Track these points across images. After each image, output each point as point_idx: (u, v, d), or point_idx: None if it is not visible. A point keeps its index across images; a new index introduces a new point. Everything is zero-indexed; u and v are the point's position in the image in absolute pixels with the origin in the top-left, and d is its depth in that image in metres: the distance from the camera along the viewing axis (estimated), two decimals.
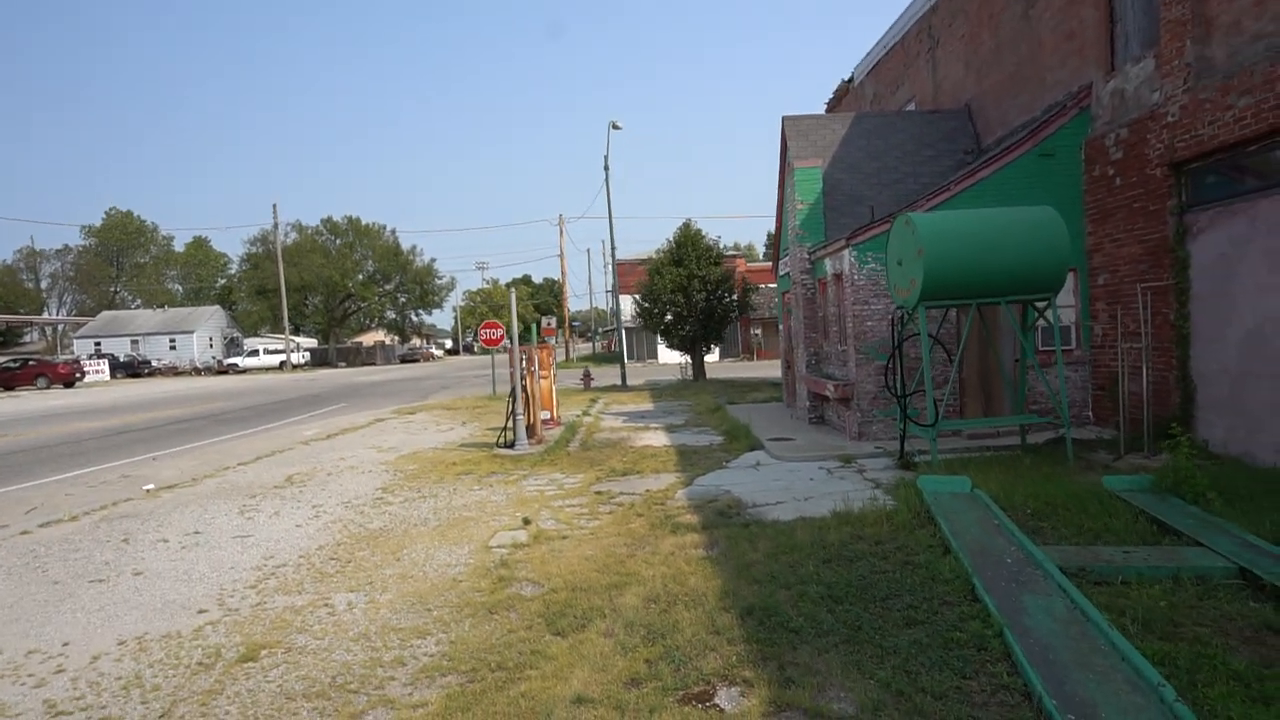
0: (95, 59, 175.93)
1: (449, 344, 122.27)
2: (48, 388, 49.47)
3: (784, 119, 17.09)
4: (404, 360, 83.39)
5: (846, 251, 13.14)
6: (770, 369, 38.03)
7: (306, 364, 76.11)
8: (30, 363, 54.44)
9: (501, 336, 26.49)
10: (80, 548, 8.51)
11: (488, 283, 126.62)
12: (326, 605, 6.27)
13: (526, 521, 8.64)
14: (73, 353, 70.54)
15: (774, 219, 19.51)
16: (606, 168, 34.41)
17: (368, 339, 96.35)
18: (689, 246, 30.69)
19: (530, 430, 14.54)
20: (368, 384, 40.71)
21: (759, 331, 54.23)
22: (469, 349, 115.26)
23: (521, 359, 14.45)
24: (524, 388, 14.37)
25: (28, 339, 78.69)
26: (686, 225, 31.44)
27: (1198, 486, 7.58)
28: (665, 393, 26.58)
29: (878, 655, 4.70)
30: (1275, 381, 9.19)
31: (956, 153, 16.73)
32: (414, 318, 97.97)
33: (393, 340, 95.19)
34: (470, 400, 26.11)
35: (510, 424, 14.48)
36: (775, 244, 19.89)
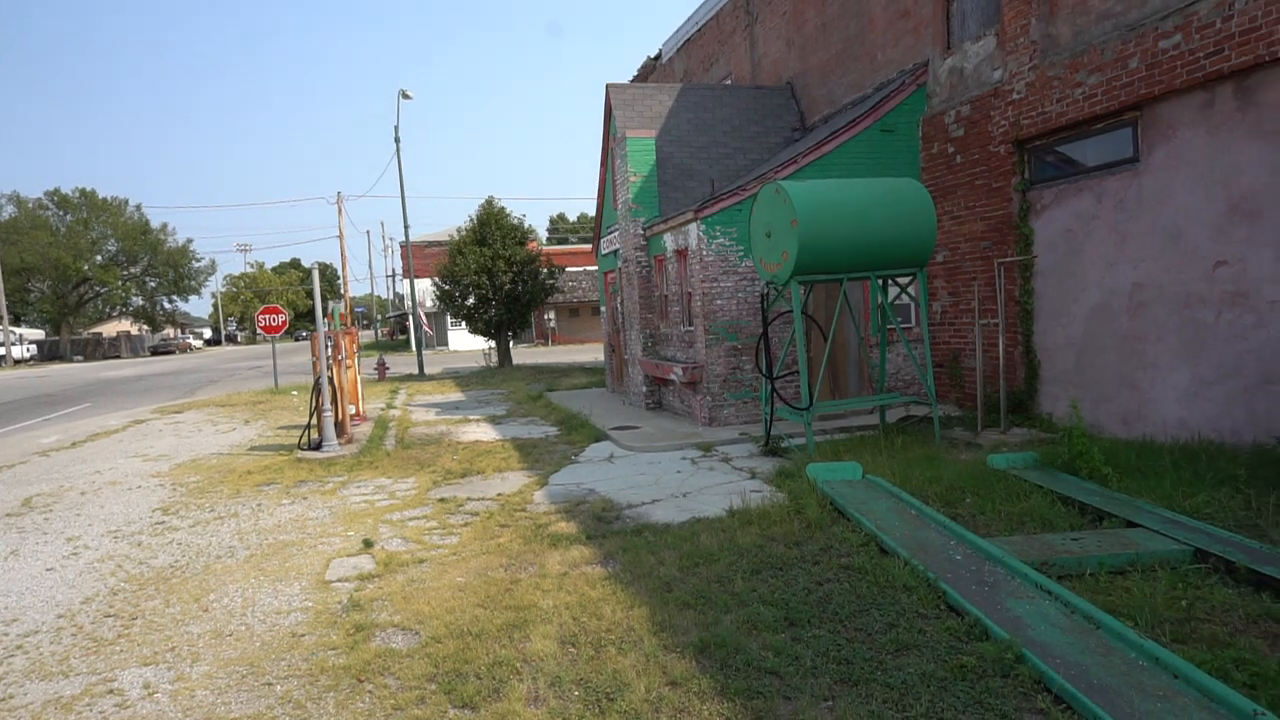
0: None
1: (208, 333, 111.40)
2: None
3: (608, 87, 16.06)
4: (156, 352, 74.53)
5: (693, 225, 12.35)
6: (571, 354, 37.15)
7: (33, 358, 66.05)
8: None
9: (284, 323, 23.67)
10: None
11: (251, 266, 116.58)
12: (112, 691, 4.48)
13: (368, 544, 7.04)
14: None
15: (570, 200, 18.49)
16: (397, 139, 31.88)
17: (109, 329, 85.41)
18: (493, 225, 29.01)
19: (340, 428, 12.60)
20: (116, 380, 35.43)
21: (551, 316, 53.24)
22: (232, 339, 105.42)
23: (326, 345, 12.45)
24: (330, 379, 12.41)
25: None
26: (489, 203, 29.72)
27: (1092, 462, 7.40)
28: (472, 381, 24.89)
29: (894, 700, 3.78)
30: (1120, 354, 9.39)
31: (783, 129, 16.48)
32: (166, 304, 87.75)
33: (141, 330, 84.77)
34: (249, 395, 23.05)
35: (315, 421, 12.45)
36: (597, 221, 18.87)
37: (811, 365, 12.27)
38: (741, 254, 12.25)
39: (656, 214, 14.69)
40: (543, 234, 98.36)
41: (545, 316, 52.24)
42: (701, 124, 15.94)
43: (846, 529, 6.44)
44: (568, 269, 48.02)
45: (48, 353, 68.56)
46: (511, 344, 30.86)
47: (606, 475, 9.51)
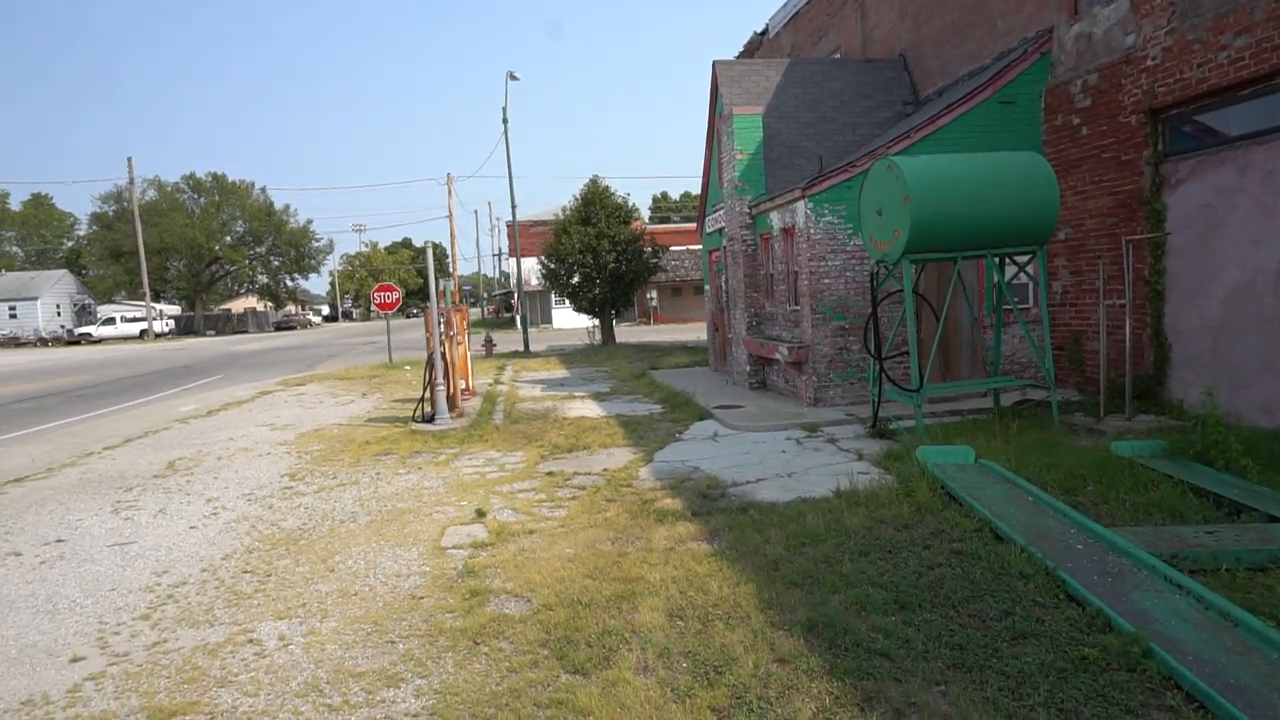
0: None
1: (326, 310, 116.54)
2: None
3: (715, 64, 15.92)
4: (279, 328, 78.62)
5: (801, 203, 12.16)
6: (673, 333, 37.24)
7: (171, 332, 70.66)
8: None
9: (397, 300, 24.55)
10: None
11: (366, 245, 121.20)
12: (252, 641, 4.81)
13: (480, 513, 7.30)
14: None
15: (673, 179, 18.40)
16: (505, 120, 32.47)
17: (238, 305, 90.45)
18: (597, 204, 29.26)
19: (451, 402, 13.04)
20: (244, 353, 37.59)
21: (654, 295, 53.37)
22: (348, 315, 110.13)
23: (440, 322, 12.89)
24: (442, 355, 12.84)
25: None
26: (594, 182, 29.98)
27: (1229, 452, 6.97)
28: (576, 359, 25.29)
29: (1009, 688, 3.70)
30: (1265, 337, 8.78)
31: (894, 104, 15.99)
32: (289, 282, 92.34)
33: (266, 306, 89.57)
34: (365, 369, 24.09)
35: (428, 395, 12.93)
36: (701, 199, 18.80)
37: (922, 346, 11.94)
38: (850, 232, 12.00)
39: (763, 192, 14.53)
40: (645, 213, 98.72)
41: (648, 295, 52.48)
42: (809, 99, 15.63)
43: (958, 514, 6.28)
44: (671, 248, 48.02)
45: (184, 327, 73.24)
46: (614, 322, 31.15)
47: (711, 453, 9.54)
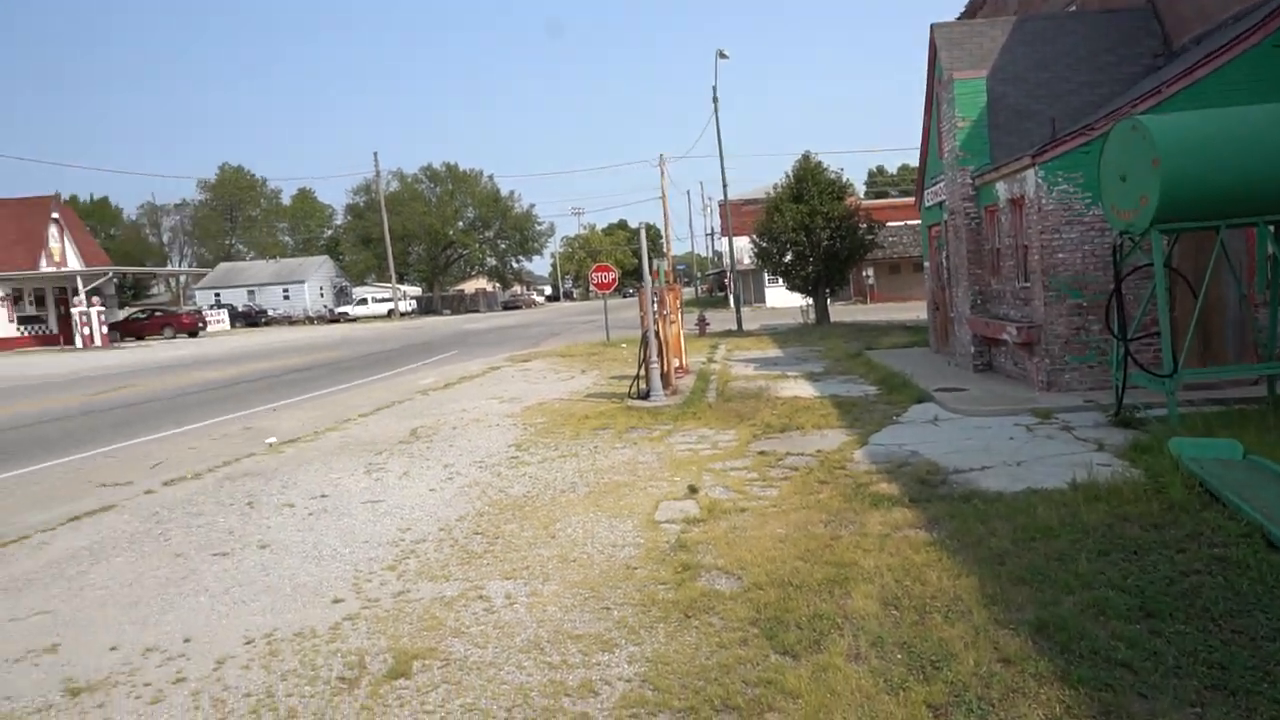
0: (193, 25, 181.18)
1: (548, 290, 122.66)
2: (173, 337, 51.23)
3: (933, 28, 15.03)
4: (506, 307, 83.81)
5: (1031, 171, 11.26)
6: (890, 312, 35.84)
7: (413, 312, 77.21)
8: (157, 314, 56.64)
9: (614, 280, 25.35)
10: (203, 512, 7.76)
11: (584, 228, 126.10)
12: (481, 597, 5.20)
13: (693, 490, 7.43)
14: (195, 303, 73.28)
15: (889, 152, 17.53)
16: (715, 99, 32.53)
17: (469, 286, 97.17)
18: (809, 180, 28.67)
19: (665, 379, 13.33)
20: (475, 331, 40.45)
21: (870, 272, 51.52)
22: (569, 295, 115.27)
23: (653, 301, 13.19)
24: (656, 333, 13.13)
25: (154, 291, 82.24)
26: (806, 158, 29.39)
27: None
28: (789, 338, 25.01)
29: None
30: None
31: (1141, 56, 14.36)
32: (514, 264, 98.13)
33: (494, 287, 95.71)
34: (584, 347, 25.15)
35: (643, 372, 13.29)
36: (920, 172, 17.89)
37: (1176, 326, 10.71)
38: (1088, 201, 10.96)
39: (987, 161, 13.59)
40: (860, 188, 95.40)
41: (864, 273, 50.76)
42: (1039, 59, 14.38)
43: (1221, 515, 5.60)
44: (888, 224, 46.11)
45: (424, 307, 79.85)
46: (829, 301, 30.45)
47: (930, 438, 9.12)
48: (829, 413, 10.99)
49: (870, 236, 28.87)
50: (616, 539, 6.19)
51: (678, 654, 4.23)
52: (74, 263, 51.49)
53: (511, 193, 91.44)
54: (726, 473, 8.05)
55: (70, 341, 46.99)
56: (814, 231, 27.86)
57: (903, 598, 4.70)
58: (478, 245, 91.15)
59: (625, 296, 78.87)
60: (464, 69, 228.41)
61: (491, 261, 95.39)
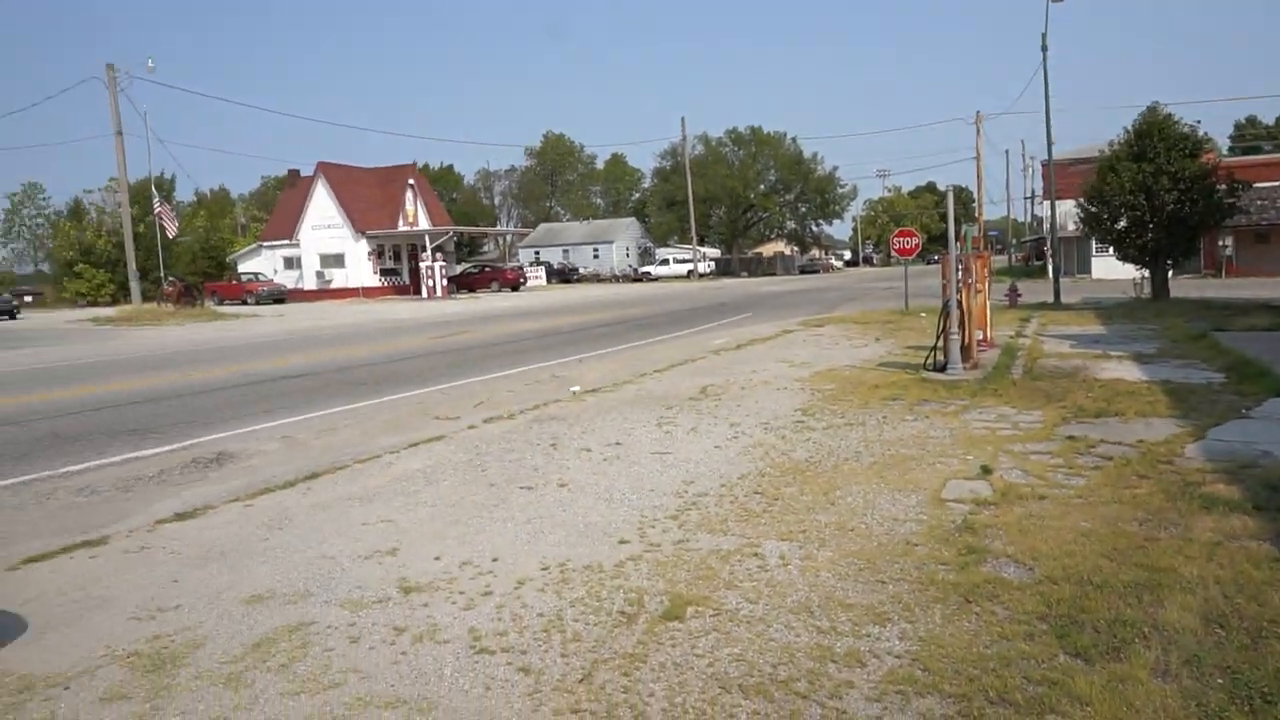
0: (526, 6, 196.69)
1: (847, 255, 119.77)
2: (499, 291, 57.13)
3: None
4: (803, 271, 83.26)
5: None
6: (1252, 288, 30.70)
7: (711, 273, 79.24)
8: (486, 269, 63.54)
9: (916, 246, 24.22)
10: (515, 448, 8.65)
11: (888, 190, 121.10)
12: (756, 554, 5.30)
13: (986, 470, 6.97)
14: (518, 260, 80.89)
15: (1249, 100, 14.62)
16: (1044, 47, 29.50)
17: (767, 249, 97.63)
18: (1154, 136, 25.16)
19: (965, 352, 12.55)
20: (770, 294, 40.67)
21: (1228, 241, 44.28)
22: (868, 260, 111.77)
23: (958, 269, 12.41)
24: (958, 303, 12.37)
25: (485, 249, 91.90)
26: (1153, 110, 25.83)
27: None
28: (1115, 314, 22.37)
29: None
30: None
31: None
32: (813, 228, 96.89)
33: (792, 251, 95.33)
34: (880, 314, 24.34)
35: (941, 344, 12.62)
36: None
37: None
38: None
39: None
40: (1224, 144, 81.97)
41: (1220, 243, 43.83)
42: None
43: None
44: (1255, 184, 39.30)
45: (721, 269, 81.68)
46: (1170, 274, 26.73)
47: None
48: (1157, 400, 9.73)
49: (1230, 200, 24.81)
50: (898, 513, 6.00)
51: (954, 638, 4.04)
52: (424, 223, 58.84)
53: (815, 155, 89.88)
54: (1026, 456, 7.44)
55: (418, 292, 54.01)
56: (1156, 194, 24.48)
57: (1231, 616, 4.10)
58: (778, 208, 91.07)
59: (928, 263, 74.83)
60: (773, 28, 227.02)
61: (791, 225, 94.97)
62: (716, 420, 9.65)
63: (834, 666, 3.84)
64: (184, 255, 60.76)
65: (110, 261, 55.16)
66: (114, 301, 52.37)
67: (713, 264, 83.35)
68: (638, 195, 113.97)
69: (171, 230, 43.14)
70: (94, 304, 53.94)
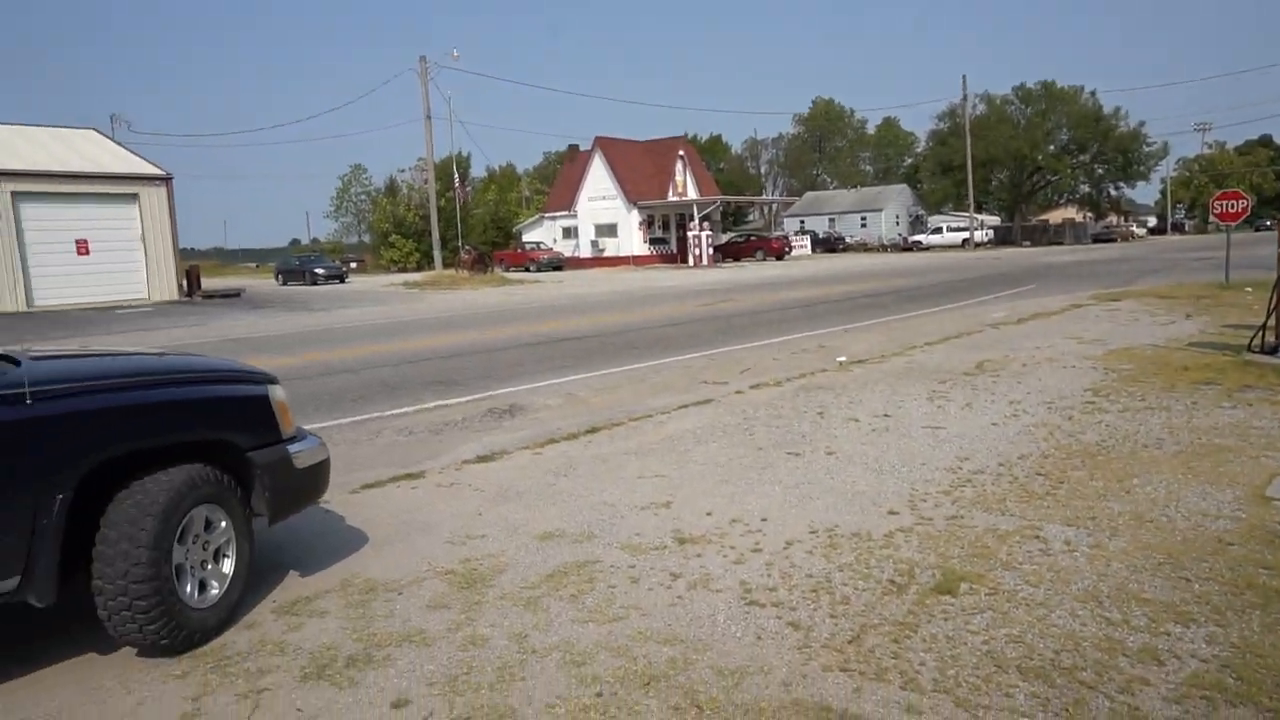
0: None
1: (1152, 221, 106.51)
2: (763, 260, 57.26)
3: None
4: (1097, 240, 75.27)
5: None
6: None
7: (989, 242, 74.06)
8: (751, 238, 63.88)
9: (1244, 210, 21.16)
10: (781, 415, 8.76)
11: (1208, 147, 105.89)
12: (1037, 537, 5.04)
13: None
14: (782, 229, 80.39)
15: None
16: None
17: (1055, 216, 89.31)
18: None
19: None
20: (1056, 265, 37.31)
21: None
22: (1179, 228, 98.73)
23: None
24: None
25: (750, 218, 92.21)
26: None
27: None
28: None
29: None
30: None
31: None
32: (1111, 191, 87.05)
33: (1084, 217, 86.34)
34: (1191, 288, 21.52)
35: (1272, 322, 10.97)
36: None
37: None
38: None
39: None
40: None
41: None
42: None
43: None
44: None
45: (1001, 237, 75.97)
46: None
47: None
48: None
49: None
50: (1209, 508, 5.40)
51: (1274, 648, 3.62)
52: (692, 193, 60.23)
53: (1116, 110, 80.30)
54: None
55: (684, 260, 55.52)
56: None
57: None
58: (1069, 170, 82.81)
59: (1258, 230, 64.64)
60: None
61: (1085, 188, 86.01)
62: (994, 397, 9.14)
63: (1126, 661, 3.60)
64: (476, 226, 66.85)
65: (417, 232, 62.02)
66: (419, 268, 58.91)
67: (991, 232, 77.60)
68: (910, 161, 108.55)
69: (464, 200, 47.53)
70: (403, 270, 61.07)
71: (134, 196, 33.23)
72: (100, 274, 32.19)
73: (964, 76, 71.88)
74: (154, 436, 4.18)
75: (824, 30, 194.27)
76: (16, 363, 3.93)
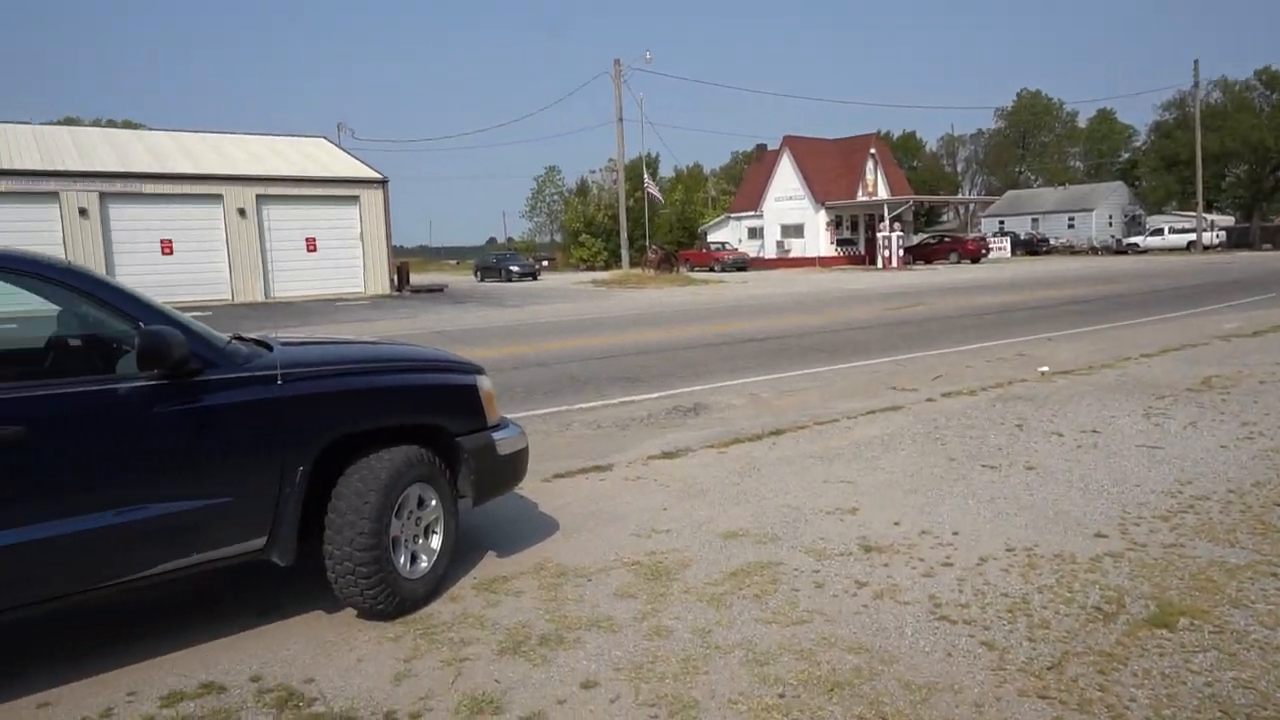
0: None
1: None
2: (957, 262, 54.48)
3: None
4: None
5: None
6: None
7: (1219, 245, 66.78)
8: (945, 239, 61.02)
9: None
10: (975, 425, 8.37)
11: None
12: (1275, 575, 4.54)
13: None
14: (980, 230, 76.23)
15: None
16: None
17: None
18: None
19: None
20: None
21: None
22: None
23: None
24: None
25: (944, 218, 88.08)
26: None
27: None
28: None
29: None
30: None
31: None
32: None
33: None
34: None
35: None
36: None
37: None
38: None
39: None
40: None
41: None
42: None
43: None
44: None
45: (1234, 240, 68.25)
46: None
47: None
48: None
49: None
50: None
51: None
52: (883, 192, 58.32)
53: None
54: None
55: (873, 262, 53.92)
56: None
57: None
58: None
59: None
60: None
61: None
62: (1223, 416, 8.28)
63: None
64: (663, 226, 67.96)
65: (605, 231, 63.89)
66: (607, 266, 60.68)
67: (1223, 234, 69.83)
68: (1127, 156, 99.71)
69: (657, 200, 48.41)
70: (591, 268, 63.15)
71: (355, 198, 36.41)
72: (325, 269, 35.58)
73: (1195, 61, 64.74)
74: (380, 418, 4.60)
75: (1030, 16, 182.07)
76: (270, 348, 4.45)
